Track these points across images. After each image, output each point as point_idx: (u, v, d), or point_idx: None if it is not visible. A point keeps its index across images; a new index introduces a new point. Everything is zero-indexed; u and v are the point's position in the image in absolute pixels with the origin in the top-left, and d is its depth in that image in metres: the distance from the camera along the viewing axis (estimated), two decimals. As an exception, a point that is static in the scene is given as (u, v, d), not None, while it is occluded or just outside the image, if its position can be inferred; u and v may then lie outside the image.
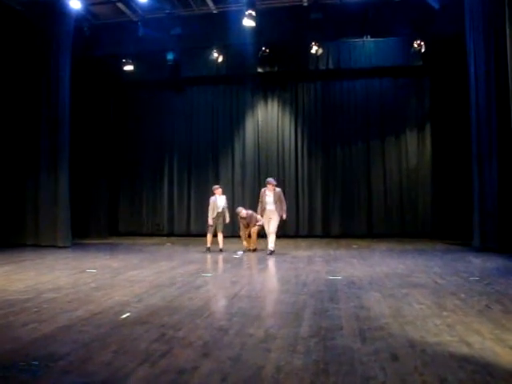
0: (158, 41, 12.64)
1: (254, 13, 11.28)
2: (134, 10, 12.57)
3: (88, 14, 12.40)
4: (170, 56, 13.49)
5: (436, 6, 10.82)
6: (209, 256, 9.80)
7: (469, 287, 6.04)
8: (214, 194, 10.69)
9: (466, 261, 8.58)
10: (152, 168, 15.52)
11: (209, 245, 10.50)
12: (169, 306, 5.03)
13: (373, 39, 13.00)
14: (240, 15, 11.43)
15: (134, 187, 15.57)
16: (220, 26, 12.49)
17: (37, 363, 3.27)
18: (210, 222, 10.49)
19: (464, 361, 3.27)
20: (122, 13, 12.71)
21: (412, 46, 12.71)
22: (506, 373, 3.07)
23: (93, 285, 6.31)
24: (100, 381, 2.97)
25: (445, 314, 4.62)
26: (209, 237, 10.55)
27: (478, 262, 8.44)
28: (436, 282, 6.48)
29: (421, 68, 13.55)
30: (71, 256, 9.89)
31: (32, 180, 11.94)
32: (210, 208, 10.52)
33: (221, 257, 9.66)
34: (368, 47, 13.32)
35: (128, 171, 15.60)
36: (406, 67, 13.59)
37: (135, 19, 12.67)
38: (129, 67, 13.91)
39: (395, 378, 2.97)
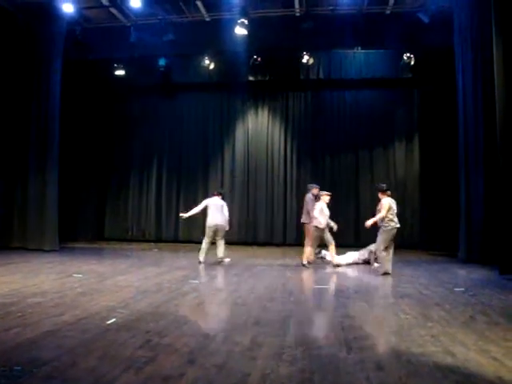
0: (150, 46, 12.64)
1: (246, 21, 11.35)
2: (126, 15, 12.57)
3: (80, 18, 12.36)
4: (161, 62, 13.51)
5: (426, 19, 10.99)
6: (196, 263, 9.76)
7: (454, 298, 6.10)
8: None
9: (451, 272, 8.66)
10: (141, 173, 15.46)
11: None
12: (155, 312, 5.01)
13: (363, 51, 13.17)
14: (232, 23, 11.49)
15: (122, 192, 15.49)
16: (212, 34, 12.52)
17: (20, 368, 3.23)
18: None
19: (448, 371, 3.30)
20: (115, 17, 12.70)
21: (402, 58, 12.90)
22: (488, 383, 3.10)
23: (79, 289, 6.26)
24: (84, 387, 2.95)
25: (430, 324, 4.66)
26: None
27: (463, 274, 8.52)
28: (421, 293, 6.53)
29: (410, 80, 13.73)
30: (58, 260, 9.79)
31: (20, 183, 11.83)
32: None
33: (209, 264, 9.63)
34: (358, 58, 13.48)
35: (117, 176, 15.53)
36: (396, 79, 13.75)
37: (128, 24, 12.66)
38: (120, 72, 13.89)
39: (380, 387, 2.99)
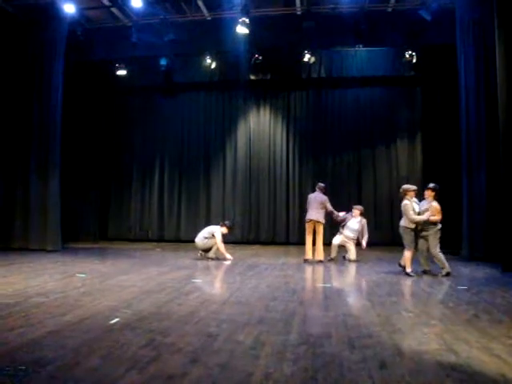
0: (151, 46, 12.65)
1: (247, 20, 11.35)
2: (127, 15, 12.59)
3: (82, 19, 12.39)
4: (163, 61, 13.51)
5: (428, 17, 10.96)
6: (199, 262, 9.78)
7: (457, 296, 6.09)
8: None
9: (454, 270, 8.62)
10: (143, 173, 15.49)
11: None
12: (158, 311, 5.02)
13: (365, 49, 13.14)
14: (234, 22, 11.49)
15: (125, 192, 15.52)
16: (213, 33, 12.53)
17: (24, 368, 3.24)
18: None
19: (451, 369, 3.30)
20: (116, 18, 12.73)
21: (404, 56, 12.87)
22: (491, 381, 3.10)
23: (82, 289, 6.27)
24: (88, 386, 2.95)
25: (433, 322, 4.66)
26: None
27: (466, 272, 8.51)
28: (425, 291, 6.53)
29: (412, 78, 13.71)
30: (61, 260, 9.82)
31: (22, 183, 11.86)
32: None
33: (211, 263, 9.64)
34: (360, 56, 13.46)
35: (119, 176, 15.56)
36: (398, 77, 13.73)
37: (129, 24, 12.68)
38: (122, 72, 13.91)
39: (383, 385, 2.99)
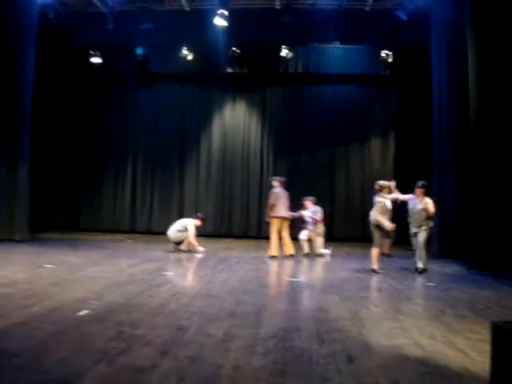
0: (127, 35, 12.46)
1: (226, 12, 11.29)
2: (104, 1, 12.34)
3: (56, 2, 12.08)
4: (139, 51, 13.34)
5: (404, 18, 11.12)
6: (171, 254, 9.73)
7: (425, 292, 6.24)
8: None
9: (423, 267, 8.82)
10: (116, 164, 15.28)
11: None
12: (128, 303, 4.98)
13: (342, 46, 13.25)
14: (212, 14, 11.42)
15: (97, 182, 15.28)
16: (191, 24, 12.42)
17: (-11, 359, 3.18)
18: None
19: (417, 363, 3.38)
20: (92, 3, 12.45)
21: (380, 55, 13.02)
22: (454, 374, 3.19)
23: (51, 280, 6.16)
24: (55, 378, 2.91)
25: (401, 317, 4.75)
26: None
27: (435, 269, 8.69)
28: (394, 287, 6.65)
29: (388, 77, 13.90)
30: (29, 250, 9.62)
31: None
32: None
33: (183, 256, 9.60)
34: (337, 54, 13.55)
35: (91, 166, 15.30)
36: (373, 76, 13.91)
37: (105, 10, 12.44)
38: (96, 59, 13.65)
39: (350, 379, 3.04)
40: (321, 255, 10.06)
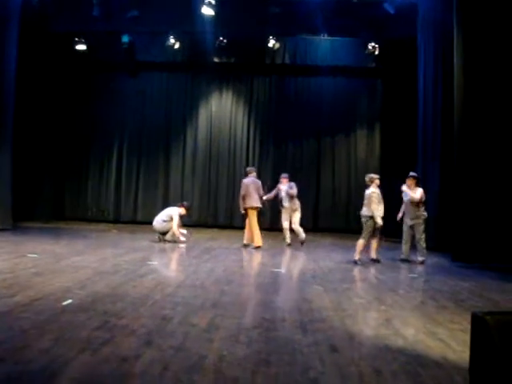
0: (113, 22, 12.27)
1: (213, 1, 11.19)
2: (89, -13, 12.11)
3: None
4: (124, 38, 13.14)
5: (391, 10, 11.13)
6: (155, 244, 9.70)
7: (407, 284, 6.33)
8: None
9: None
10: (101, 152, 15.10)
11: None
12: (112, 293, 4.96)
13: (329, 38, 13.23)
14: (200, 2, 11.30)
15: (82, 171, 15.09)
16: (178, 12, 12.27)
17: (-30, 349, 3.15)
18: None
19: (398, 353, 3.44)
20: (77, -11, 12.24)
21: (366, 47, 13.03)
22: (434, 363, 3.26)
23: (33, 270, 6.11)
24: (38, 369, 2.90)
25: (383, 308, 4.82)
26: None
27: (418, 260, 8.80)
28: (377, 278, 6.73)
29: (374, 70, 13.93)
30: (11, 239, 9.50)
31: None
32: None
33: (168, 246, 9.58)
34: (324, 45, 13.52)
35: (76, 154, 15.09)
36: (360, 68, 13.92)
37: (91, -3, 12.21)
38: (81, 46, 13.44)
39: (333, 368, 3.08)
40: (304, 241, 9.97)
